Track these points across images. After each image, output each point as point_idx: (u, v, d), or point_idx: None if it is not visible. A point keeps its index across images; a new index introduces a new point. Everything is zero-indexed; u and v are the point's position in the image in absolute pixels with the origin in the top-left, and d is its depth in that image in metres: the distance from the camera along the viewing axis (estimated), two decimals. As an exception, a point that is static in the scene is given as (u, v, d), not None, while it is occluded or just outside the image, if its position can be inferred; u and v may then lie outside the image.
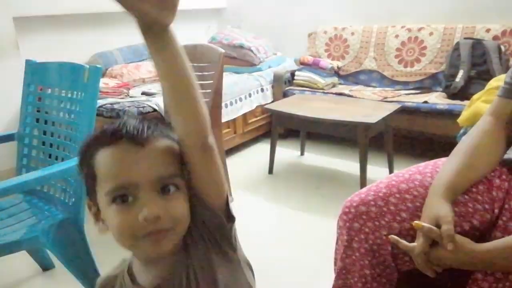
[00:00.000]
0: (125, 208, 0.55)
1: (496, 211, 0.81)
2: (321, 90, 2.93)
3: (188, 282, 0.60)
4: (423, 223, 0.78)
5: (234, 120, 2.84)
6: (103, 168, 0.56)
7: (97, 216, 0.61)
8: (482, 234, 0.82)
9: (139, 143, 0.55)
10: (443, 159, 0.93)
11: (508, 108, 0.90)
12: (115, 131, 0.56)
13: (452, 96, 2.50)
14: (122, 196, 0.55)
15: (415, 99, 2.54)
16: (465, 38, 2.61)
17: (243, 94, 2.87)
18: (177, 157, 0.58)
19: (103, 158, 0.56)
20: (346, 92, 2.83)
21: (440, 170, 0.87)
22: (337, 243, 0.95)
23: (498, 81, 1.64)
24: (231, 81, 2.84)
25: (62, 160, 1.39)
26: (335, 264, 0.96)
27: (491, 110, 0.93)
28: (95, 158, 0.57)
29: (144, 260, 0.62)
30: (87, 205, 0.62)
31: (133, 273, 0.64)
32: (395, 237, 0.81)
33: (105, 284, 0.68)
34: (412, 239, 0.82)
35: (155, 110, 2.29)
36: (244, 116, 2.92)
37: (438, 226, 0.77)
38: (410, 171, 0.91)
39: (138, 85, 2.82)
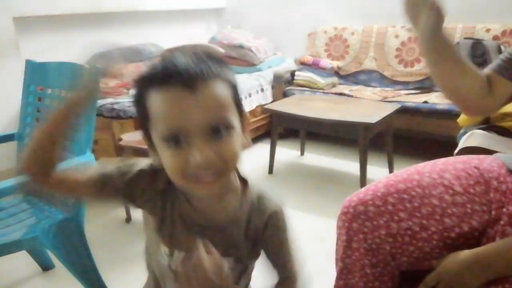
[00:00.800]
0: (178, 152, 0.56)
1: (493, 212, 0.81)
2: (321, 90, 2.94)
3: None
4: None
5: (234, 120, 2.84)
6: (155, 110, 0.56)
7: (151, 148, 0.62)
8: (481, 235, 0.82)
9: (191, 88, 0.54)
10: (442, 159, 0.93)
11: (496, 81, 0.93)
12: (167, 73, 0.55)
13: (452, 96, 2.50)
14: (175, 139, 0.56)
15: (415, 99, 2.54)
16: (465, 38, 2.61)
17: (243, 94, 2.86)
18: (229, 96, 0.58)
19: (155, 100, 0.56)
20: (346, 92, 2.83)
21: None
22: (337, 243, 0.95)
23: (498, 81, 1.63)
24: (231, 81, 2.85)
25: (62, 160, 1.39)
26: (336, 264, 0.96)
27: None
28: (147, 98, 0.57)
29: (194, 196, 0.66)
30: (143, 138, 0.63)
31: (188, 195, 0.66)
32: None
33: (140, 174, 0.66)
34: (410, 239, 0.83)
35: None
36: (244, 116, 2.92)
37: None
38: (408, 171, 0.91)
39: (138, 85, 2.82)
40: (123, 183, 0.64)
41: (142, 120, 0.60)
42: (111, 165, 0.65)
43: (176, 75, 0.54)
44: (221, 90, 0.57)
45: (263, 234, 0.69)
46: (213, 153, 0.55)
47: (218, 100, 0.56)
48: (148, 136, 0.61)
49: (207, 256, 0.60)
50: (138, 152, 1.94)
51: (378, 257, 0.86)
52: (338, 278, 0.93)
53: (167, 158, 0.57)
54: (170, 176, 0.59)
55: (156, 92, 0.56)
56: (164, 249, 0.68)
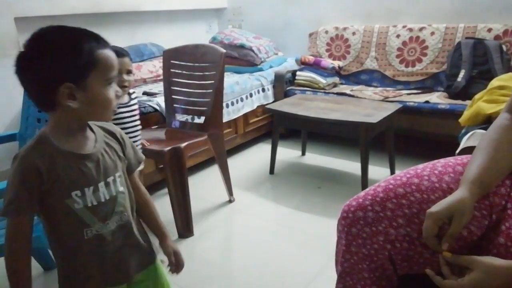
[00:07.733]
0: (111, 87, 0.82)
1: (494, 216, 0.80)
2: (322, 90, 2.93)
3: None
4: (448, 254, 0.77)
5: (235, 120, 2.84)
6: (105, 62, 0.79)
7: (71, 95, 0.77)
8: (480, 239, 0.81)
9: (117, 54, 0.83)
10: (442, 161, 0.92)
11: None
12: (104, 42, 0.81)
13: (453, 96, 2.49)
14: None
15: (417, 99, 2.54)
16: (466, 38, 2.60)
17: (244, 94, 2.87)
18: None
19: (105, 56, 0.79)
20: (347, 92, 2.83)
21: (466, 167, 0.85)
22: (337, 246, 0.95)
23: (499, 81, 1.63)
24: (232, 81, 2.84)
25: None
26: (336, 267, 0.96)
27: (507, 106, 0.92)
28: (97, 53, 0.78)
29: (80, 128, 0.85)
30: (66, 88, 0.76)
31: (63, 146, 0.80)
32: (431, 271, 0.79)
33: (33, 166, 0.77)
34: (408, 245, 0.83)
35: (156, 110, 2.29)
36: (245, 116, 2.92)
37: (450, 218, 0.76)
38: (408, 174, 0.90)
39: (139, 85, 2.82)
40: None
41: (80, 68, 0.77)
42: None
43: (110, 45, 0.83)
44: None
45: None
46: None
47: None
48: (77, 83, 0.78)
49: None
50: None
51: (376, 262, 0.86)
52: (337, 282, 0.93)
53: (110, 92, 0.83)
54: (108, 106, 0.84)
55: (103, 51, 0.80)
56: (75, 194, 0.80)
